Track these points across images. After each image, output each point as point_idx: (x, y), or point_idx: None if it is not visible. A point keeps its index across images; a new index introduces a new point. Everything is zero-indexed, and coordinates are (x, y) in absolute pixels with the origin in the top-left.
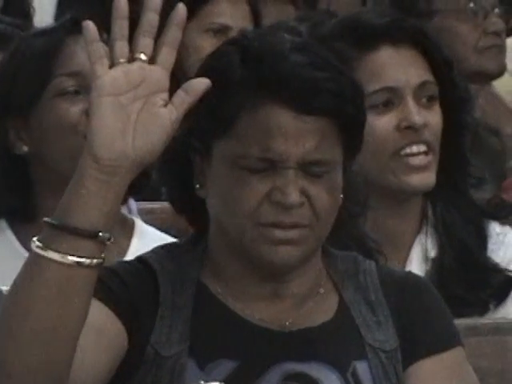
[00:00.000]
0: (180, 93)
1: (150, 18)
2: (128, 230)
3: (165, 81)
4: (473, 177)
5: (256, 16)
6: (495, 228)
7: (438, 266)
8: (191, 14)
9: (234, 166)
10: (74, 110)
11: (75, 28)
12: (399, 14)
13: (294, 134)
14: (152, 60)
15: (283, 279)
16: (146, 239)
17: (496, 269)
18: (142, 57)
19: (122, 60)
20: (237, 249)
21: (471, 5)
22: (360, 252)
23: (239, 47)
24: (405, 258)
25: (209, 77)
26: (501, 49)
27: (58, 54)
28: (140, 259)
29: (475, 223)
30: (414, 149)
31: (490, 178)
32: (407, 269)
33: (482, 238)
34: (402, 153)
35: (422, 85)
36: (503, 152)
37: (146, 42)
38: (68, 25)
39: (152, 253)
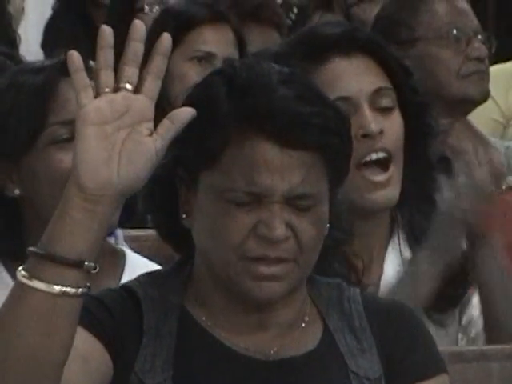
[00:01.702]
0: (165, 122)
1: (135, 47)
2: (119, 262)
3: (150, 110)
4: (438, 181)
5: (241, 43)
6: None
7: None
8: (176, 41)
9: (220, 198)
10: (67, 158)
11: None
12: (355, 26)
13: (280, 168)
14: (137, 89)
15: (268, 310)
16: (138, 270)
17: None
18: (127, 86)
19: (106, 89)
20: (221, 280)
21: (454, 31)
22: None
23: (226, 78)
24: (381, 264)
25: (195, 108)
26: (484, 75)
27: (52, 101)
28: (124, 287)
29: (426, 176)
30: (373, 156)
31: None
32: (384, 275)
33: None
34: (363, 161)
35: (377, 92)
36: None
37: (130, 71)
38: (62, 66)
39: (136, 280)
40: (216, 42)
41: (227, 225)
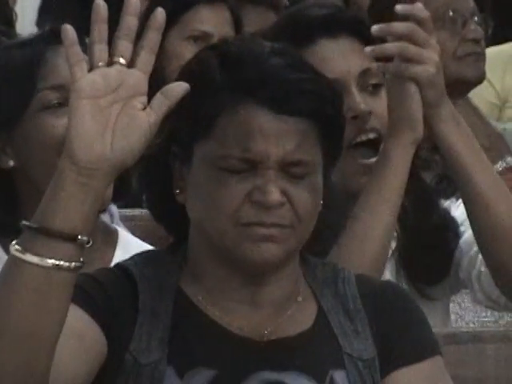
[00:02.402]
0: (159, 96)
1: (129, 21)
2: (111, 240)
3: (143, 84)
4: (421, 158)
5: (237, 23)
6: (443, 204)
7: (398, 255)
8: (172, 21)
9: (214, 167)
10: (59, 123)
11: (55, 39)
12: (342, 8)
13: (274, 134)
14: (131, 64)
15: (262, 282)
16: (130, 250)
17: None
18: (121, 60)
19: (100, 63)
20: (218, 251)
21: (450, 13)
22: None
23: (218, 52)
24: None
25: (188, 81)
26: (480, 56)
27: (40, 68)
28: (119, 266)
29: (426, 202)
30: (364, 137)
31: None
32: None
33: (434, 215)
34: (353, 143)
35: (364, 72)
36: None
37: (124, 45)
38: (48, 36)
39: (131, 260)
40: (213, 21)
41: (222, 193)
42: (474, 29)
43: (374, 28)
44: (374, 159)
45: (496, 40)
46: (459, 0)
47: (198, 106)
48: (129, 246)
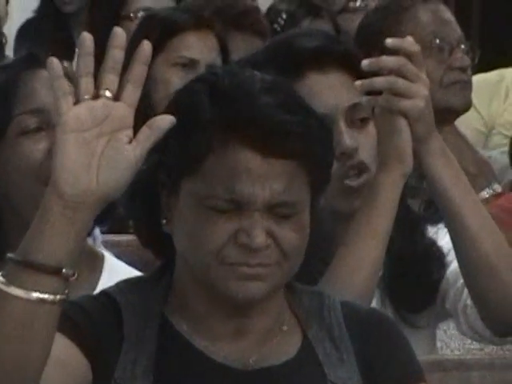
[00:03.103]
0: (144, 129)
1: (115, 54)
2: (97, 264)
3: (129, 117)
4: (409, 186)
5: (224, 50)
6: (430, 231)
7: (383, 283)
8: (159, 47)
9: (201, 205)
10: (38, 148)
11: (33, 63)
12: (332, 37)
13: (262, 176)
14: (117, 97)
15: (247, 314)
16: (116, 274)
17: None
18: (107, 93)
19: (86, 97)
20: (202, 284)
21: (437, 41)
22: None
23: (208, 85)
24: None
25: (178, 114)
26: (466, 84)
27: (18, 92)
28: (104, 293)
29: (412, 230)
30: (351, 173)
31: None
32: None
33: (420, 244)
34: (341, 181)
35: (353, 107)
36: None
37: (110, 78)
38: (26, 60)
39: (116, 287)
40: (199, 48)
41: (207, 231)
42: (461, 57)
43: (364, 63)
44: (359, 180)
45: (483, 68)
46: (446, 28)
47: (186, 142)
48: (115, 270)
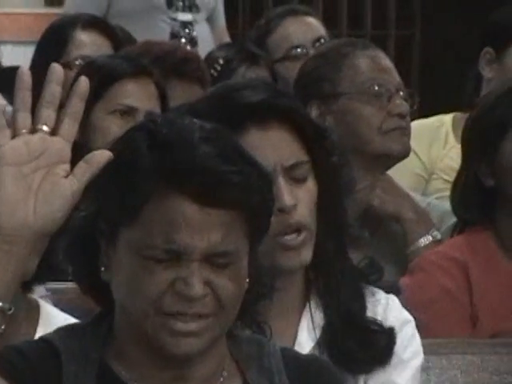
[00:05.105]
0: (81, 164)
1: (52, 89)
2: (33, 314)
3: (66, 152)
4: (352, 237)
5: (163, 97)
6: (371, 290)
7: (326, 332)
8: (98, 94)
9: (139, 254)
10: None
11: None
12: (274, 91)
13: (199, 226)
14: (54, 131)
15: (185, 365)
16: (53, 324)
17: (380, 330)
18: (44, 128)
19: (23, 131)
20: (139, 334)
21: (376, 87)
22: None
23: (147, 133)
24: (295, 330)
25: (116, 162)
26: (405, 131)
27: None
28: (43, 339)
29: (355, 285)
30: (288, 231)
31: (395, 264)
32: (298, 340)
33: (362, 300)
34: (280, 237)
35: (293, 166)
36: (405, 237)
37: (47, 113)
38: None
39: (55, 333)
40: (138, 96)
41: (145, 280)
42: (400, 103)
43: None
44: (299, 238)
45: (422, 114)
46: (384, 75)
47: (124, 191)
48: (51, 318)
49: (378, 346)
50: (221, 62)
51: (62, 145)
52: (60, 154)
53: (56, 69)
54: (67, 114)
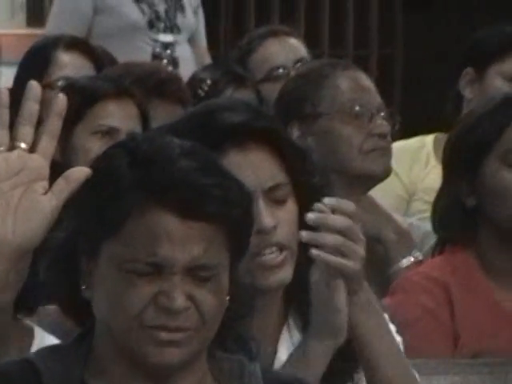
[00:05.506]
0: (60, 181)
1: (30, 107)
2: (26, 339)
3: (44, 169)
4: None
5: (144, 118)
6: None
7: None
8: (79, 115)
9: (121, 268)
10: None
11: None
12: (254, 112)
13: (181, 239)
14: (32, 148)
15: (167, 381)
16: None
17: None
18: (22, 145)
19: (1, 148)
20: (122, 349)
21: (356, 107)
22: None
23: (127, 150)
24: (275, 348)
25: (96, 179)
26: (386, 151)
27: None
28: (25, 359)
29: None
30: (267, 251)
31: (377, 285)
32: (277, 357)
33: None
34: (259, 256)
35: (273, 188)
36: (387, 257)
37: (25, 130)
38: None
39: (36, 353)
40: (119, 116)
41: (128, 294)
42: (380, 124)
43: (310, 217)
44: (280, 257)
45: (404, 135)
46: (365, 95)
47: (105, 206)
48: (46, 344)
49: (357, 359)
50: (208, 82)
51: (40, 162)
52: (38, 171)
53: (33, 86)
54: (45, 131)
